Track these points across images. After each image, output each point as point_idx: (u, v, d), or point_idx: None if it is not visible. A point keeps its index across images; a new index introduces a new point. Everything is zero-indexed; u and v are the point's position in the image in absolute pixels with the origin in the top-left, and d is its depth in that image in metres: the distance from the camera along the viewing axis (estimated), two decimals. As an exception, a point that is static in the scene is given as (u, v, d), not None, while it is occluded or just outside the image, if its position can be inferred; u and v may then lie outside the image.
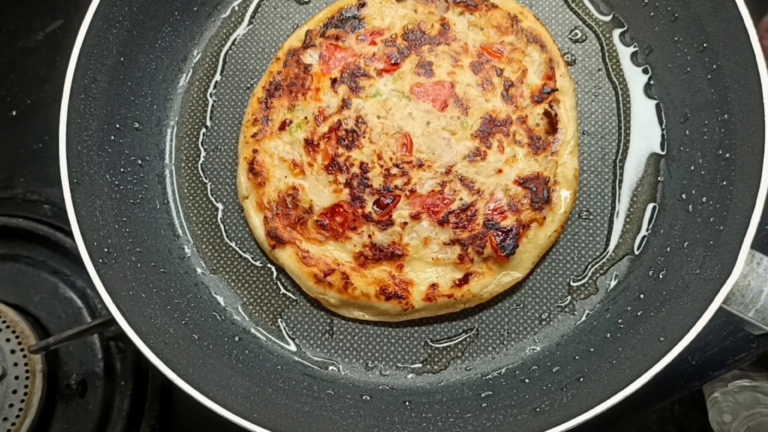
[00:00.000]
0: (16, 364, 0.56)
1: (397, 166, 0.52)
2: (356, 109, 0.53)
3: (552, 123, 0.53)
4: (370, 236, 0.52)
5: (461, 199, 0.52)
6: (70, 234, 0.48)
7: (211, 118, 0.58)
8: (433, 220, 0.51)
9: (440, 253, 0.51)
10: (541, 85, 0.53)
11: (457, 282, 0.52)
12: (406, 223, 0.51)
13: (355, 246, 0.52)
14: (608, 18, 0.57)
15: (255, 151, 0.54)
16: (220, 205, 0.57)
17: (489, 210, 0.52)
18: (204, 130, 0.58)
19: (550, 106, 0.53)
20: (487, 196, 0.52)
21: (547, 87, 0.53)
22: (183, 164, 0.57)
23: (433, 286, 0.52)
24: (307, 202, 0.53)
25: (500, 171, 0.52)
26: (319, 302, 0.54)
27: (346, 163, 0.52)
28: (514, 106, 0.53)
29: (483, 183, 0.52)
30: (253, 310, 0.55)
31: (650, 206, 0.53)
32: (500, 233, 0.51)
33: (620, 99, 0.55)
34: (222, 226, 0.56)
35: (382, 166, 0.52)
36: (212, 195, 0.57)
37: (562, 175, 0.53)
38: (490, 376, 0.52)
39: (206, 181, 0.57)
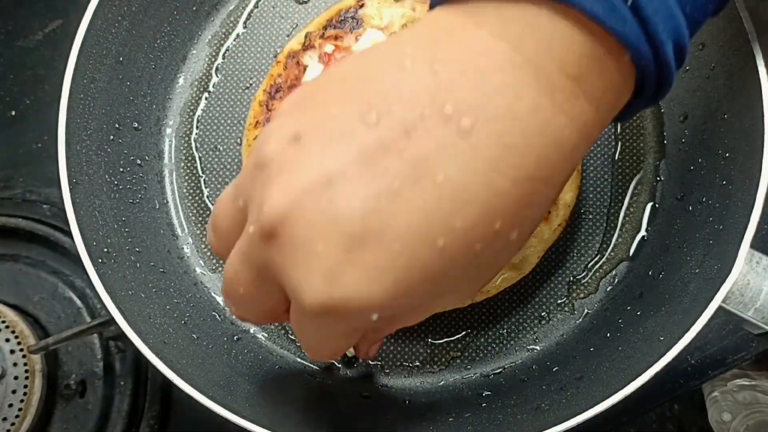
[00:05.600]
0: (15, 364, 0.55)
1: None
2: None
3: None
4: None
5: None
6: (69, 234, 0.47)
7: (210, 117, 0.58)
8: None
9: None
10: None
11: None
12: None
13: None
14: (607, 17, 0.56)
15: None
16: (219, 205, 0.57)
17: None
18: (203, 129, 0.58)
19: None
20: None
21: None
22: (182, 164, 0.57)
23: None
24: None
25: None
26: (318, 302, 0.54)
27: (346, 162, 0.52)
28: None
29: None
30: (253, 310, 0.54)
31: (649, 206, 0.53)
32: None
33: (619, 98, 0.55)
34: (221, 225, 0.56)
35: None
36: (211, 195, 0.57)
37: None
38: (489, 375, 0.52)
39: (205, 181, 0.57)
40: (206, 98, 0.58)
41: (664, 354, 0.41)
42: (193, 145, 0.58)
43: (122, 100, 0.54)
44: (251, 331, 0.54)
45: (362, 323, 0.28)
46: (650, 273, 0.50)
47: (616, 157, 0.54)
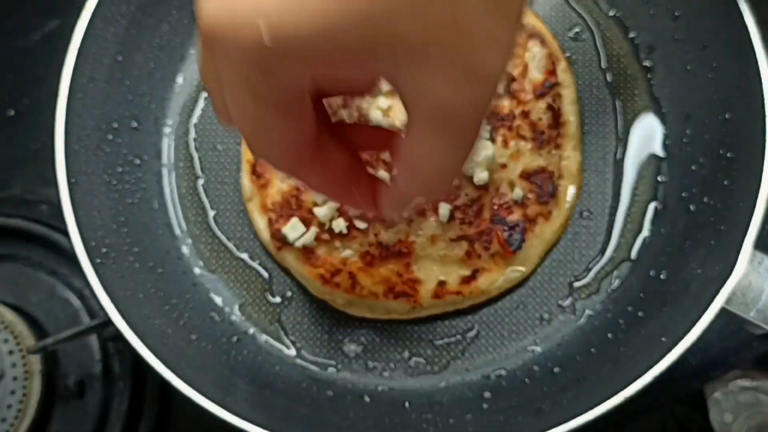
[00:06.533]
0: (14, 365, 0.55)
1: (399, 163, 0.51)
2: (357, 107, 0.52)
3: (555, 117, 0.53)
4: (375, 235, 0.51)
5: (466, 194, 0.51)
6: (68, 234, 0.47)
7: (208, 117, 0.58)
8: (439, 216, 0.51)
9: (447, 250, 0.51)
10: (542, 80, 0.53)
11: (465, 278, 0.51)
12: (411, 220, 0.51)
13: (361, 245, 0.51)
14: (608, 16, 0.56)
15: None
16: (218, 206, 0.56)
17: (495, 205, 0.51)
18: (202, 129, 0.58)
19: (553, 101, 0.53)
20: (492, 191, 0.51)
21: (548, 81, 0.53)
22: (181, 164, 0.57)
23: (441, 283, 0.51)
24: (310, 203, 0.52)
25: (505, 166, 0.52)
26: (318, 302, 0.54)
27: (347, 161, 0.52)
28: (516, 100, 0.53)
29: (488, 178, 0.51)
30: (252, 311, 0.54)
31: (651, 206, 0.53)
32: (507, 228, 0.51)
33: (620, 98, 0.55)
34: (220, 226, 0.56)
35: (386, 163, 0.51)
36: (210, 195, 0.57)
37: (567, 170, 0.53)
38: (490, 376, 0.52)
39: (204, 181, 0.57)
40: (205, 98, 0.58)
41: (665, 355, 0.41)
42: (192, 144, 0.57)
43: (121, 99, 0.54)
44: (250, 332, 0.54)
45: (291, 70, 0.22)
46: (652, 274, 0.50)
47: (618, 157, 0.54)
